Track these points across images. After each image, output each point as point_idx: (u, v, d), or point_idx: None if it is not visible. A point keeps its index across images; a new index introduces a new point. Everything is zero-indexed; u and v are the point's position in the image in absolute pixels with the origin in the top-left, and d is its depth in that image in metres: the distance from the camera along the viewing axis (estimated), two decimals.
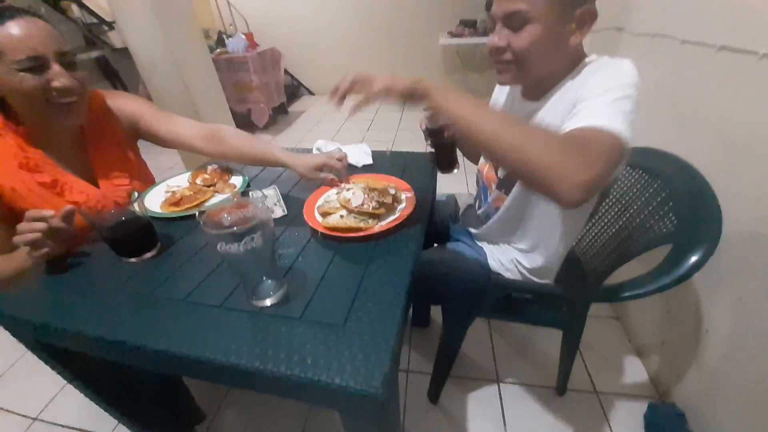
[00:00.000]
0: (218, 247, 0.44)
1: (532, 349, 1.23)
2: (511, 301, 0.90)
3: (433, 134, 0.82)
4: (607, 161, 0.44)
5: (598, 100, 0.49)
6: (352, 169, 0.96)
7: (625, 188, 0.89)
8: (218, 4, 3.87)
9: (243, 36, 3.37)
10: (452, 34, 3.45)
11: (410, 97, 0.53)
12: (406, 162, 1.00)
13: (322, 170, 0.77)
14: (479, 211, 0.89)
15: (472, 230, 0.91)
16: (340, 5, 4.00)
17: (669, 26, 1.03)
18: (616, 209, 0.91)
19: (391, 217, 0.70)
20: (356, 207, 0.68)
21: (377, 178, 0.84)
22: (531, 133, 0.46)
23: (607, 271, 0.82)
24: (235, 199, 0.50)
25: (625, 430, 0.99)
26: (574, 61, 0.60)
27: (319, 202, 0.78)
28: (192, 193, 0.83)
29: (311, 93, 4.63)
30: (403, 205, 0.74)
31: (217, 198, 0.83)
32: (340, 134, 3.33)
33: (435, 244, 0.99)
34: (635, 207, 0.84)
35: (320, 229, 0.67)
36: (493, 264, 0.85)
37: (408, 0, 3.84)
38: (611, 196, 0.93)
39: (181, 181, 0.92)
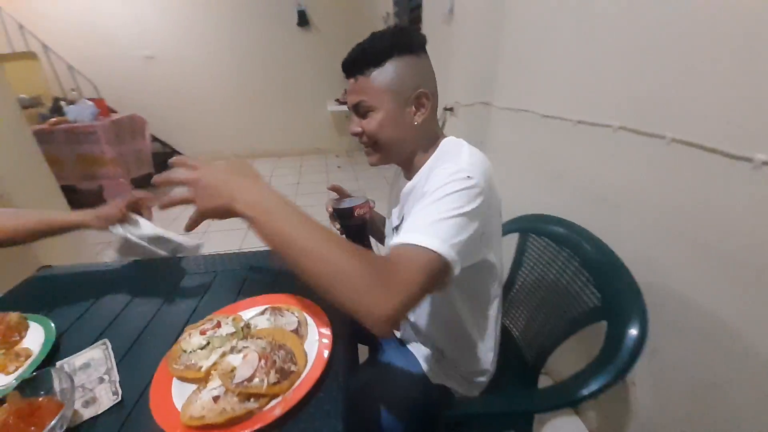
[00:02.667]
0: None
1: None
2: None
3: (342, 216, 0.75)
4: (418, 284, 0.42)
5: (423, 212, 0.47)
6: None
7: (536, 256, 0.88)
8: (55, 67, 3.22)
9: (90, 102, 2.84)
10: (339, 101, 3.59)
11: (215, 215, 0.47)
12: None
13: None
14: None
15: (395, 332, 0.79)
16: (213, 71, 3.80)
17: (528, 103, 1.18)
18: (534, 277, 0.88)
19: (303, 373, 0.47)
20: (237, 385, 0.42)
21: (274, 300, 0.62)
22: (345, 266, 0.41)
23: (546, 349, 0.76)
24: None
25: None
26: (430, 140, 0.63)
27: (175, 362, 0.49)
28: None
29: None
30: (316, 343, 0.52)
31: None
32: None
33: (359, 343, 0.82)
34: (553, 272, 0.82)
35: None
36: (425, 367, 0.71)
37: (293, 69, 3.91)
38: (524, 266, 0.91)
39: None
